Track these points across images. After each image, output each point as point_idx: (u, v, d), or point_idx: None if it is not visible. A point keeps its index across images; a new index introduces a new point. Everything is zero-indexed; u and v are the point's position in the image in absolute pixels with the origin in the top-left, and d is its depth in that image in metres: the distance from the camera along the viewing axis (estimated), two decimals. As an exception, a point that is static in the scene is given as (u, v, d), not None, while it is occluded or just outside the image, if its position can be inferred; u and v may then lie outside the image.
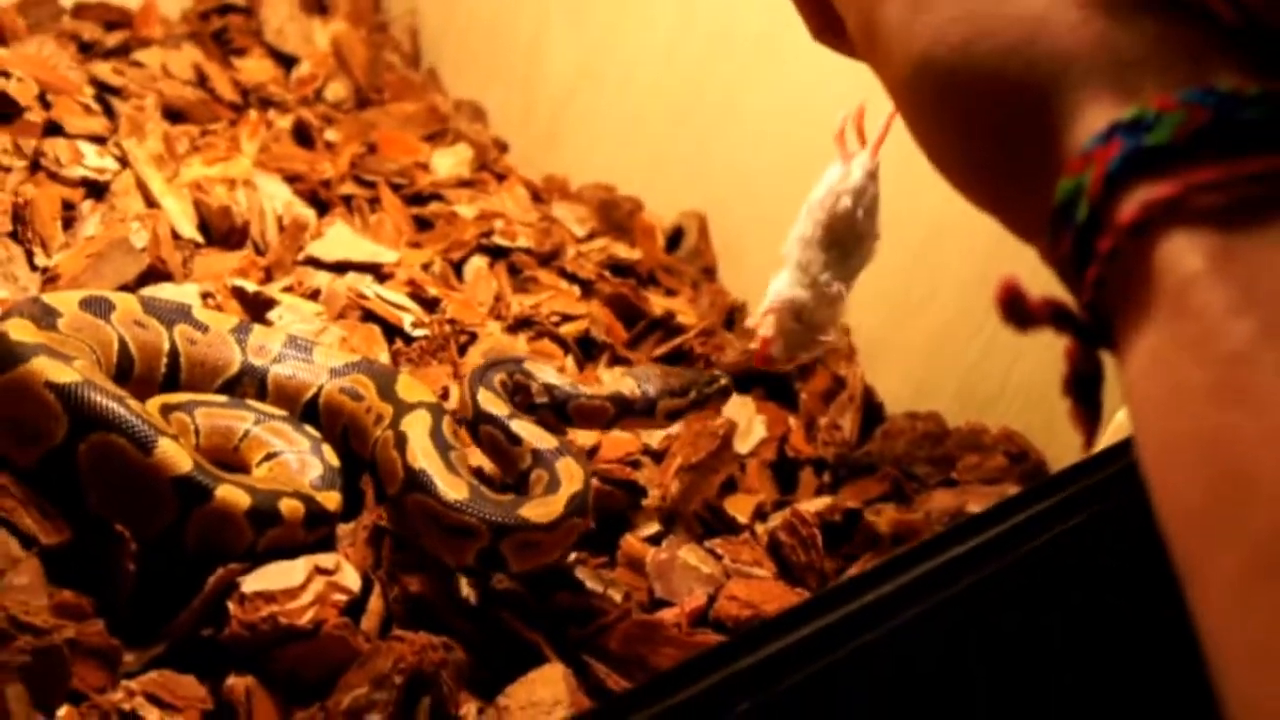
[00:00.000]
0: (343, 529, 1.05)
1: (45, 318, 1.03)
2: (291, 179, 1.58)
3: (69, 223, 1.31)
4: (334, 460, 1.08)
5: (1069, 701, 0.85)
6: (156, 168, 1.44)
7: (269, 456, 1.07)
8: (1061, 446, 1.35)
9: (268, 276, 1.38)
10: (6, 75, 1.43)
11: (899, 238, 1.49)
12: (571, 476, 1.06)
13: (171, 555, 0.94)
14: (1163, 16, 0.45)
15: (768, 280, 1.17)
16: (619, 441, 1.30)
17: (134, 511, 0.92)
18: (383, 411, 1.12)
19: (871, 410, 1.49)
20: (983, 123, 0.48)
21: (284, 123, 1.72)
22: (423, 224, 1.63)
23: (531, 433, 1.11)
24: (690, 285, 1.69)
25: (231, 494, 0.95)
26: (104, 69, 1.61)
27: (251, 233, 1.43)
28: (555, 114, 1.94)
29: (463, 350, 1.35)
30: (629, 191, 1.83)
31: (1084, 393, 0.48)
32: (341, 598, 0.94)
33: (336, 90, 1.88)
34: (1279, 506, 0.37)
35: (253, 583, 0.92)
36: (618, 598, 1.07)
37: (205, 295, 1.26)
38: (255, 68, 1.83)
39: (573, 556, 1.11)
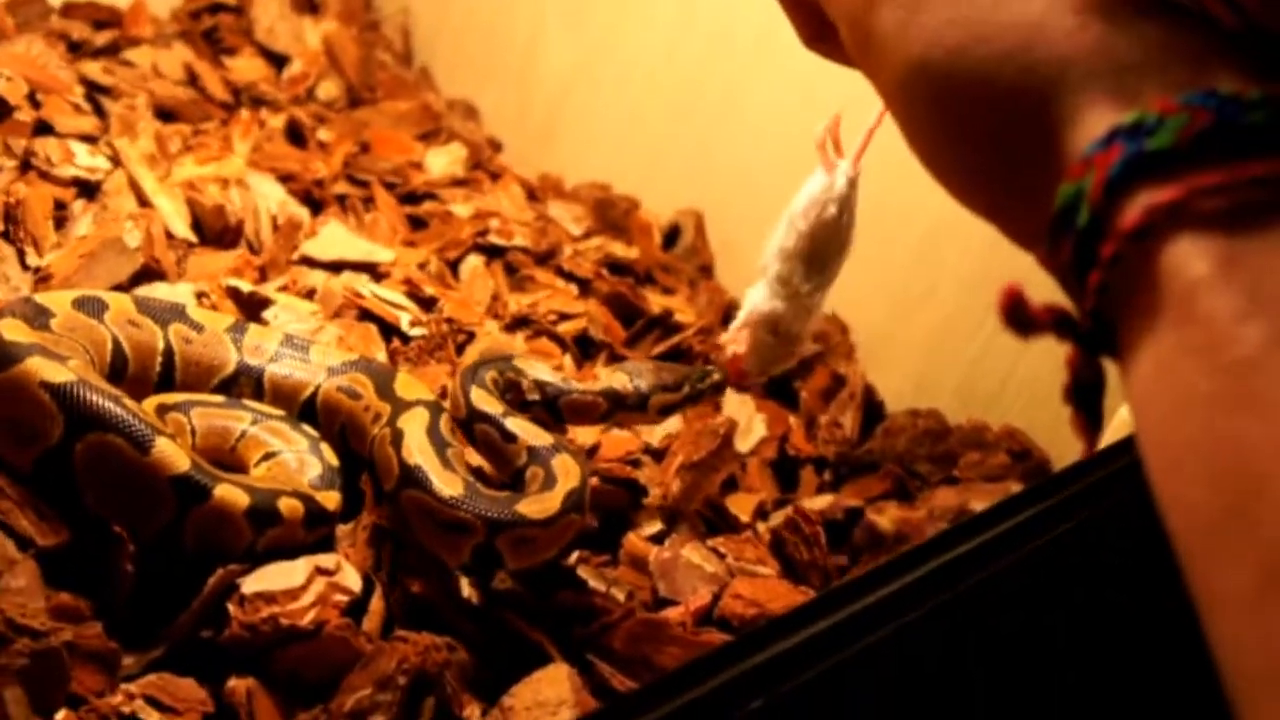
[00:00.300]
0: (342, 529, 1.04)
1: (38, 318, 1.02)
2: (285, 178, 1.56)
3: (61, 222, 1.30)
4: (333, 459, 1.07)
5: (1073, 699, 0.85)
6: (149, 167, 1.42)
7: (267, 456, 1.06)
8: (1064, 444, 1.34)
9: (262, 276, 1.37)
10: (-4, 74, 1.42)
11: (899, 235, 1.49)
12: (568, 473, 1.05)
13: (170, 556, 0.92)
14: (1161, 20, 0.44)
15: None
16: (619, 440, 1.29)
17: (131, 512, 0.91)
18: (381, 410, 1.10)
19: (872, 408, 1.49)
20: (979, 128, 0.47)
21: (276, 122, 1.71)
22: (417, 223, 1.62)
23: (526, 430, 1.10)
24: (688, 284, 1.69)
25: (230, 493, 0.94)
26: (94, 68, 1.60)
27: (245, 232, 1.42)
28: (550, 113, 1.93)
29: (460, 349, 1.34)
30: (625, 190, 1.82)
31: (1085, 400, 0.47)
32: (343, 598, 0.93)
33: (328, 89, 1.87)
34: None
35: (253, 583, 0.91)
36: (621, 597, 1.06)
37: (200, 295, 1.25)
38: (246, 67, 1.81)
39: (575, 556, 1.10)
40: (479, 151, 1.84)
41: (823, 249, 1.03)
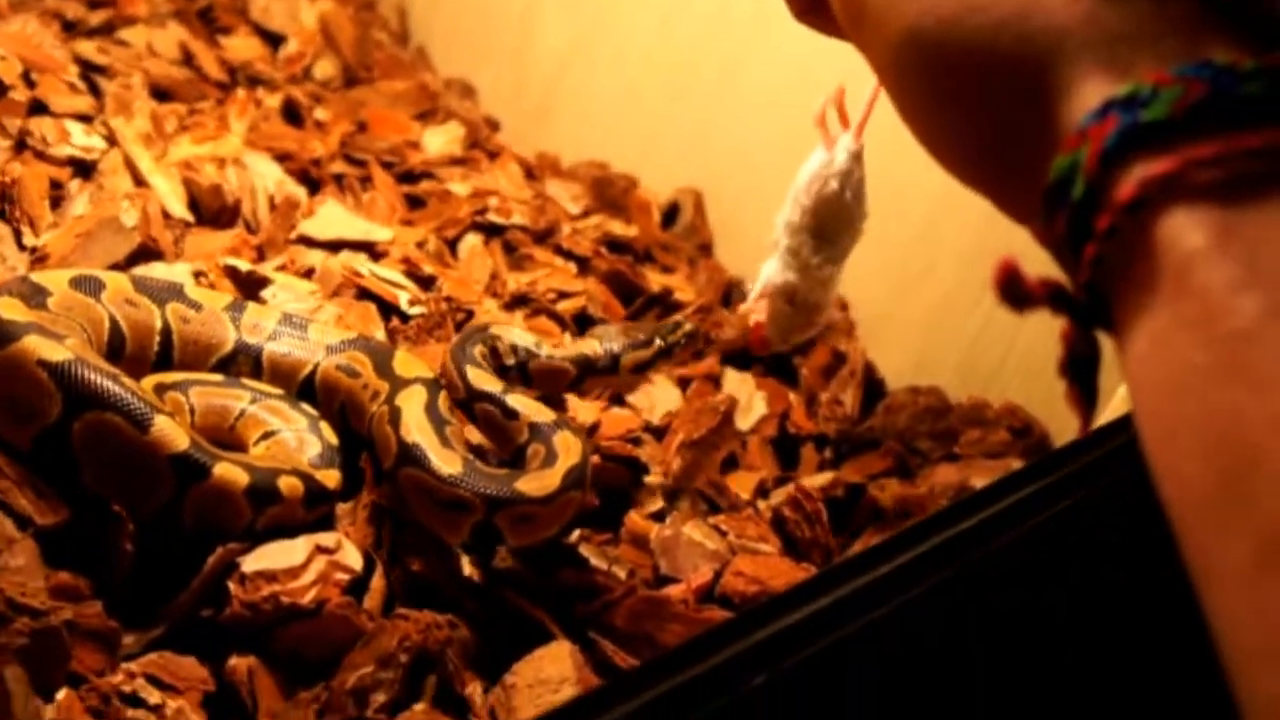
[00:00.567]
0: (342, 508, 1.03)
1: (35, 296, 1.01)
2: (281, 158, 1.55)
3: (57, 202, 1.29)
4: (332, 438, 1.07)
5: (1074, 675, 0.85)
6: (145, 146, 1.41)
7: (266, 435, 1.05)
8: (1065, 420, 1.34)
9: (260, 255, 1.36)
10: (-10, 53, 1.41)
11: (898, 212, 1.48)
12: (569, 450, 1.04)
13: (169, 535, 0.92)
14: None
15: (765, 256, 1.16)
16: (620, 418, 1.29)
17: (130, 490, 0.91)
18: (379, 388, 1.10)
19: (872, 386, 1.49)
20: (973, 99, 0.47)
21: (272, 101, 1.69)
22: (415, 202, 1.61)
23: (528, 407, 1.09)
24: (687, 262, 1.68)
25: (230, 472, 0.93)
26: (88, 47, 1.58)
27: (243, 211, 1.41)
28: (547, 91, 1.92)
29: (460, 328, 1.33)
30: (623, 169, 1.81)
31: (1081, 375, 0.47)
32: (344, 577, 0.92)
33: (325, 68, 1.85)
34: None
35: (253, 562, 0.90)
36: (623, 575, 1.06)
37: (198, 274, 1.24)
38: (242, 46, 1.80)
39: (576, 534, 1.10)
40: (476, 130, 1.83)
41: (828, 223, 1.03)
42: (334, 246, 1.40)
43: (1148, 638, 0.85)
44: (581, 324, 1.44)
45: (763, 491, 1.27)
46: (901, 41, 0.48)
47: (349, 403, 1.12)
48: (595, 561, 1.07)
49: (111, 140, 1.40)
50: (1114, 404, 1.11)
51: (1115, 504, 0.81)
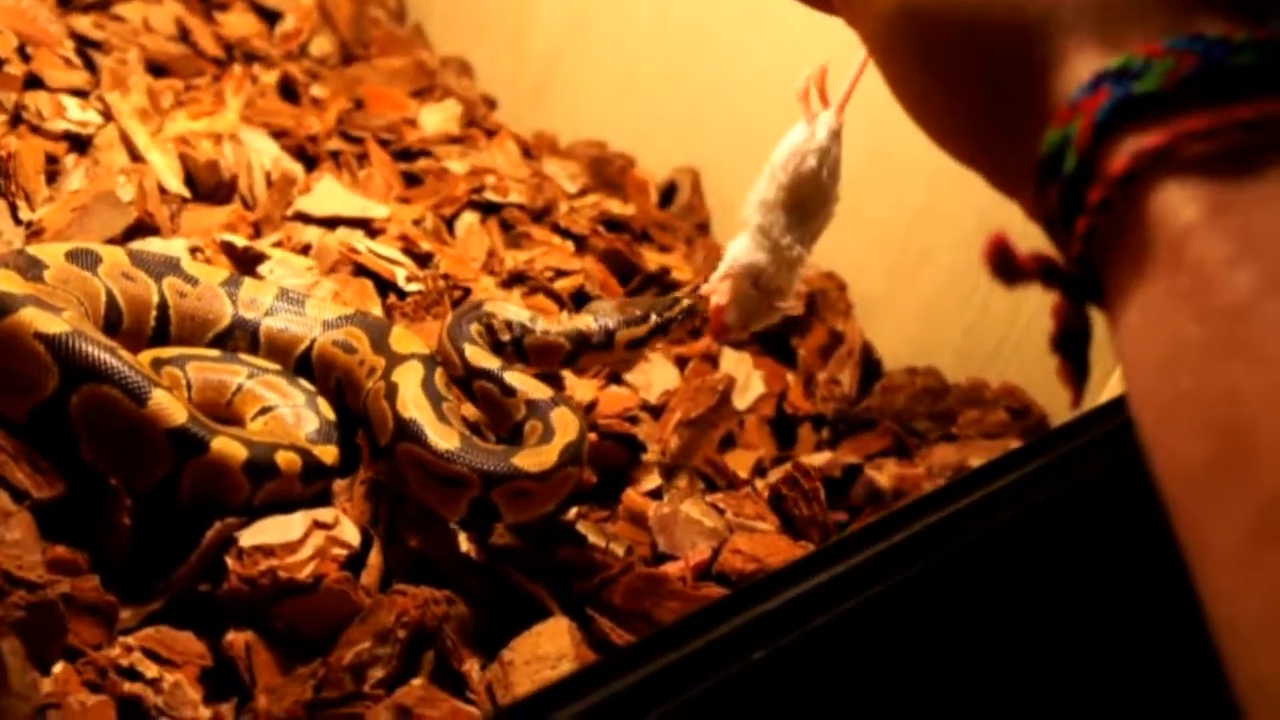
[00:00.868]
0: (339, 484, 1.03)
1: (31, 270, 1.01)
2: (278, 134, 1.55)
3: (52, 176, 1.29)
4: (330, 414, 1.06)
5: (1070, 652, 0.85)
6: (141, 122, 1.41)
7: (263, 410, 1.05)
8: (1063, 401, 1.33)
9: (257, 232, 1.36)
10: (-15, 27, 1.40)
11: (897, 192, 1.48)
12: (566, 426, 1.04)
13: (166, 509, 0.92)
14: None
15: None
16: (618, 396, 1.29)
17: (128, 464, 0.91)
18: (375, 364, 1.10)
19: (870, 366, 1.48)
20: (965, 71, 0.47)
21: (269, 78, 1.69)
22: (412, 180, 1.60)
23: (526, 383, 1.09)
24: (684, 241, 1.68)
25: (228, 446, 0.93)
26: (84, 22, 1.57)
27: (239, 187, 1.41)
28: (544, 70, 1.91)
29: (457, 305, 1.33)
30: (621, 148, 1.81)
31: (1072, 349, 0.47)
32: (341, 552, 0.92)
33: (321, 45, 1.84)
34: None
35: (250, 537, 0.90)
36: (620, 552, 1.06)
37: (194, 250, 1.24)
38: (238, 22, 1.79)
39: (574, 511, 1.10)
40: (473, 109, 1.82)
41: (804, 201, 1.02)
42: (330, 223, 1.40)
43: (1144, 616, 0.85)
44: (579, 302, 1.44)
45: (760, 470, 1.27)
46: (893, 12, 0.48)
47: (345, 378, 1.12)
48: (593, 539, 1.07)
49: (107, 115, 1.39)
50: (1112, 383, 1.11)
51: (1112, 483, 0.82)
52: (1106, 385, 1.12)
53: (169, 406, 0.91)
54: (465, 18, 2.03)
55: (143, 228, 1.24)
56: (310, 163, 1.54)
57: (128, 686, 0.80)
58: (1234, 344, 0.37)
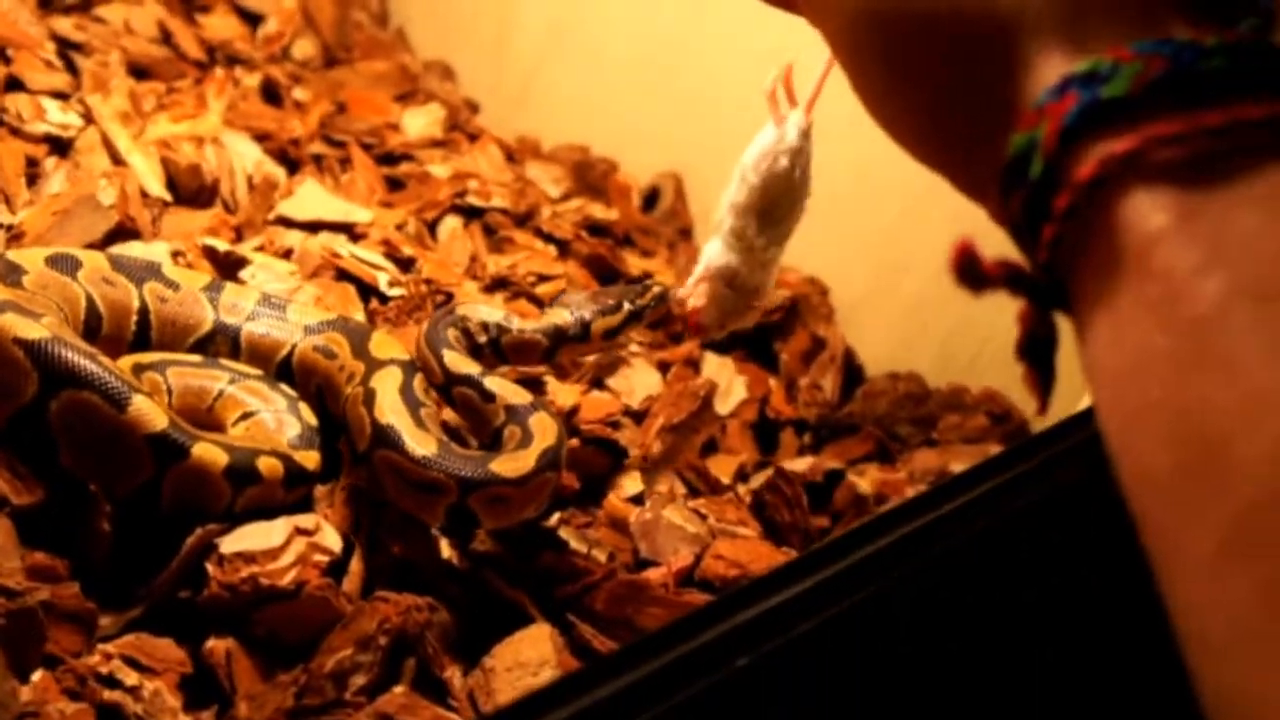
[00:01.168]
0: (321, 490, 1.03)
1: (10, 274, 1.00)
2: (260, 137, 1.54)
3: (33, 179, 1.28)
4: (311, 419, 1.06)
5: (1050, 659, 0.85)
6: (122, 125, 1.40)
7: (245, 416, 1.05)
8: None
9: (238, 236, 1.35)
10: (-36, 29, 1.40)
11: (878, 198, 1.48)
12: (545, 431, 1.04)
13: (147, 515, 0.91)
14: None
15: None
16: (599, 402, 1.28)
17: (108, 470, 0.90)
18: (355, 369, 1.09)
19: (852, 371, 1.49)
20: (928, 71, 0.46)
21: (251, 81, 1.68)
22: (394, 184, 1.60)
23: (505, 388, 1.09)
24: (667, 246, 1.68)
25: (208, 452, 0.93)
26: (65, 24, 1.57)
27: (221, 191, 1.40)
28: (527, 74, 1.91)
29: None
30: (603, 152, 1.80)
31: (1038, 356, 0.46)
32: (323, 558, 0.92)
33: (304, 48, 1.84)
34: (1253, 480, 0.35)
35: (232, 543, 0.90)
36: (602, 558, 1.06)
37: (176, 254, 1.23)
38: (220, 25, 1.78)
39: (555, 517, 1.10)
40: (456, 113, 1.82)
41: (775, 202, 1.02)
42: (313, 227, 1.39)
43: (1124, 622, 0.85)
44: (561, 307, 1.44)
45: (743, 475, 1.27)
46: (858, 12, 0.47)
47: (326, 384, 1.11)
48: (575, 545, 1.07)
49: (88, 118, 1.38)
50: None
51: (1092, 489, 0.82)
52: (1085, 391, 1.12)
53: (149, 412, 0.91)
54: (448, 22, 2.02)
55: (124, 231, 1.23)
56: (292, 166, 1.53)
57: (107, 694, 0.80)
58: (1203, 354, 0.37)
